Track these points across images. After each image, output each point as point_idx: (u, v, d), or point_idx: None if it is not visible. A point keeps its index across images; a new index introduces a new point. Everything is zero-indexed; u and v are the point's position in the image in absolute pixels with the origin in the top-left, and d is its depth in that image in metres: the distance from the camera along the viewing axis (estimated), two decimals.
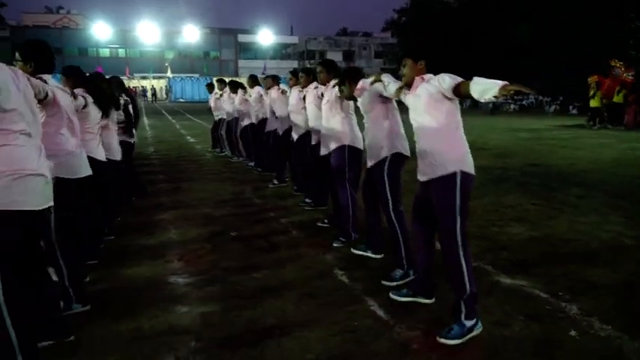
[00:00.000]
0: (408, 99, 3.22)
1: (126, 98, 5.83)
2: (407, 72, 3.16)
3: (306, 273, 3.99)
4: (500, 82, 2.57)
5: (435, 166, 2.97)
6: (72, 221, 3.28)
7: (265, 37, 58.64)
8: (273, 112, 7.52)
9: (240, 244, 4.75)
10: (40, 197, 2.32)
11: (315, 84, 5.51)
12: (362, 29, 67.90)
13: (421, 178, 3.10)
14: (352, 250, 4.39)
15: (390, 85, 3.52)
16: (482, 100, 2.73)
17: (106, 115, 4.40)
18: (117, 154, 4.99)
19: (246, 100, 8.84)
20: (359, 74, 4.18)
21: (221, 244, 4.77)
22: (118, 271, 4.02)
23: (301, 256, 4.38)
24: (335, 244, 4.59)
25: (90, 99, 4.01)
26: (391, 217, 3.81)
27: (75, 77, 4.18)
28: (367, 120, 3.95)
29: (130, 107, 5.95)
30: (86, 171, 3.47)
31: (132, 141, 6.13)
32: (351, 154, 4.56)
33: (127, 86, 6.82)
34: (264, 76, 14.58)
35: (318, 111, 5.13)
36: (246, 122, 9.06)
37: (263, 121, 8.40)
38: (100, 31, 54.47)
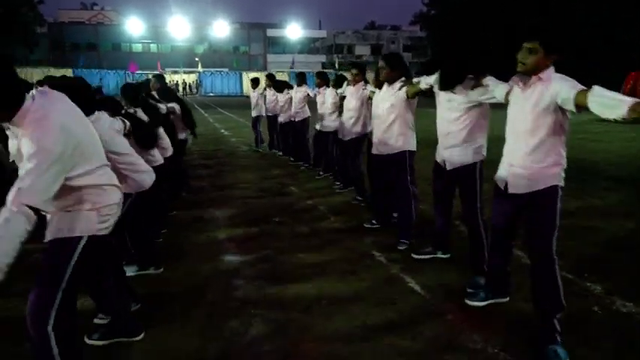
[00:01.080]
0: (514, 97, 2.86)
1: (170, 106, 5.59)
2: (530, 61, 2.65)
3: (347, 254, 4.34)
4: (629, 100, 2.19)
5: (537, 181, 2.75)
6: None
7: (294, 31, 59.02)
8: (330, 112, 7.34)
9: (284, 229, 5.13)
10: None
11: (362, 83, 5.71)
12: (390, 22, 67.53)
13: (514, 190, 2.85)
14: (414, 255, 4.22)
15: (496, 89, 3.14)
16: (603, 117, 2.40)
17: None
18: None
19: (290, 98, 9.03)
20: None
21: (266, 228, 5.16)
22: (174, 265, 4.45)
23: (341, 240, 4.73)
24: (400, 247, 4.44)
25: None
26: (477, 224, 3.64)
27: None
28: (450, 122, 3.61)
29: (177, 109, 5.77)
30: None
31: (184, 137, 6.11)
32: (411, 159, 4.51)
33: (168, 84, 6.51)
34: (292, 69, 15.03)
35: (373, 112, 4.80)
36: (284, 119, 9.34)
37: (304, 119, 8.78)
38: (133, 26, 55.71)
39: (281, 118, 9.47)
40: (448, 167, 3.70)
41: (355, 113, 5.89)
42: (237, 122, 18.14)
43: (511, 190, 2.86)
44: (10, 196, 1.75)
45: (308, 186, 7.21)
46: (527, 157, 2.74)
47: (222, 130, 15.77)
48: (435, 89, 3.72)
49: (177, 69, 53.22)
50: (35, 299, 2.06)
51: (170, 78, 50.61)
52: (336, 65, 52.76)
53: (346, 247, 4.54)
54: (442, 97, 3.66)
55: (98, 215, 2.17)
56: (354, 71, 5.92)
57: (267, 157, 10.05)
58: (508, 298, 3.35)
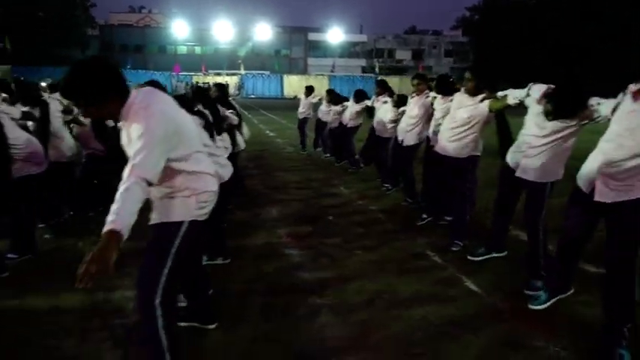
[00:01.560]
0: (624, 109, 2.78)
1: (229, 112, 5.42)
2: None
3: (402, 254, 4.49)
4: None
5: (627, 192, 2.76)
6: None
7: (335, 35, 59.37)
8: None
9: (338, 227, 5.31)
10: None
11: (426, 92, 5.83)
12: (431, 27, 66.98)
13: (602, 198, 2.84)
14: (470, 257, 4.30)
15: (601, 107, 3.06)
16: None
17: None
18: None
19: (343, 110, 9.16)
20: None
21: (321, 226, 5.36)
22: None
23: (395, 240, 4.88)
24: (453, 249, 4.56)
25: None
26: (538, 230, 3.70)
27: None
28: (539, 138, 3.54)
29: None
30: None
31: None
32: (474, 164, 4.65)
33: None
34: (332, 73, 15.28)
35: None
36: (335, 125, 9.52)
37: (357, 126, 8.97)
38: (179, 29, 57.26)
39: (333, 124, 9.61)
40: (519, 174, 3.68)
41: (417, 121, 5.96)
42: (280, 124, 18.48)
43: (597, 198, 2.85)
44: (126, 172, 2.02)
45: (357, 187, 7.37)
46: (625, 167, 2.73)
47: (268, 132, 16.13)
48: (528, 102, 3.65)
49: (220, 71, 54.34)
50: (143, 276, 2.30)
51: (213, 80, 51.88)
52: (377, 70, 52.73)
53: (400, 246, 4.68)
54: (536, 110, 3.53)
55: (196, 202, 2.39)
56: (415, 81, 6.00)
57: (312, 158, 10.27)
58: (572, 290, 3.41)
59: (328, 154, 10.30)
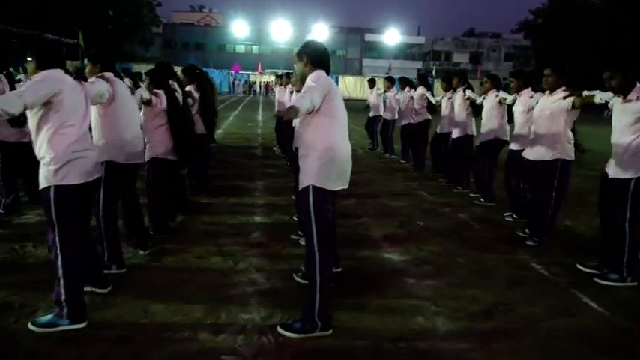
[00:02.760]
0: None
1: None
2: None
3: (507, 264, 4.41)
4: None
5: None
6: None
7: (392, 36, 58.96)
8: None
9: (430, 233, 5.28)
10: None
11: (494, 90, 6.10)
12: (490, 30, 65.36)
13: None
14: (579, 266, 4.26)
15: None
16: None
17: None
18: None
19: (412, 97, 9.30)
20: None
21: (413, 230, 5.35)
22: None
23: (495, 249, 4.80)
24: (528, 242, 4.86)
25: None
26: (625, 227, 3.85)
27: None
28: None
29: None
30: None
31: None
32: (565, 168, 4.62)
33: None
34: (387, 74, 15.35)
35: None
36: (404, 122, 9.64)
37: (425, 122, 9.06)
38: (238, 28, 58.48)
39: (403, 122, 9.69)
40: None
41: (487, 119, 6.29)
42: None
43: None
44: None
45: (437, 191, 7.31)
46: None
47: None
48: (612, 104, 3.82)
49: (276, 70, 55.02)
50: None
51: (269, 78, 52.70)
52: (433, 72, 51.95)
53: (503, 256, 4.61)
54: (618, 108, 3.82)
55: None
56: (484, 79, 6.46)
57: (385, 160, 10.25)
58: None
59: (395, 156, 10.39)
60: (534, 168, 4.75)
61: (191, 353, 2.81)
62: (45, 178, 2.90)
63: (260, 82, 51.27)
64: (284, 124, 10.03)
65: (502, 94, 6.24)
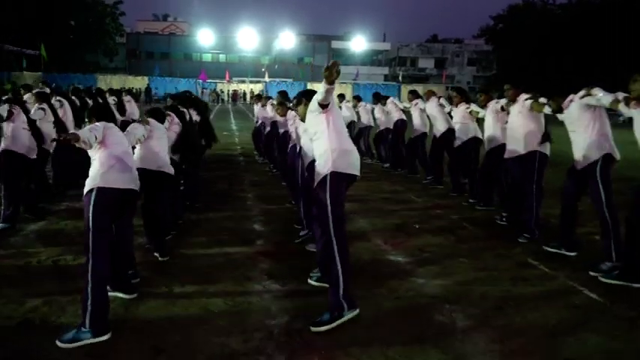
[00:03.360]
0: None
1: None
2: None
3: (505, 261, 4.61)
4: None
5: None
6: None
7: (358, 43, 59.66)
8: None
9: (428, 234, 5.45)
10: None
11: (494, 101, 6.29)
12: (453, 36, 66.97)
13: None
14: (545, 247, 4.84)
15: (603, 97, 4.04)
16: None
17: None
18: None
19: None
20: None
21: (412, 233, 5.51)
22: None
23: (492, 247, 5.00)
24: (520, 240, 5.15)
25: None
26: (605, 215, 4.24)
27: None
28: (575, 129, 4.48)
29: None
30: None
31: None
32: (541, 159, 5.10)
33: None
34: (355, 81, 15.87)
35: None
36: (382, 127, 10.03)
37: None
38: (204, 37, 58.05)
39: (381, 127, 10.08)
40: None
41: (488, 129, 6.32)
42: None
43: None
44: None
45: (426, 194, 7.51)
46: None
47: None
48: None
49: (243, 78, 54.87)
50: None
51: (238, 87, 52.50)
52: (400, 78, 52.83)
53: (500, 254, 4.81)
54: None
55: None
56: (453, 94, 7.24)
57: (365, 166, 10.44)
58: None
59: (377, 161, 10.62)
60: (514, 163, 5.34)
61: (225, 352, 2.87)
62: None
63: (228, 91, 51.06)
64: (265, 133, 10.26)
65: (473, 106, 6.90)
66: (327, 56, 60.89)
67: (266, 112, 9.80)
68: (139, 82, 45.59)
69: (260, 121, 10.68)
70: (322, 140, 3.35)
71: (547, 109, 4.92)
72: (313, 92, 3.88)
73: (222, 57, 59.61)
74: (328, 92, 3.12)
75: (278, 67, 57.84)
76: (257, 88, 54.78)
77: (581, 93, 4.31)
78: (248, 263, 4.48)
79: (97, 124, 3.32)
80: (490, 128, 6.16)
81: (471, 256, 4.73)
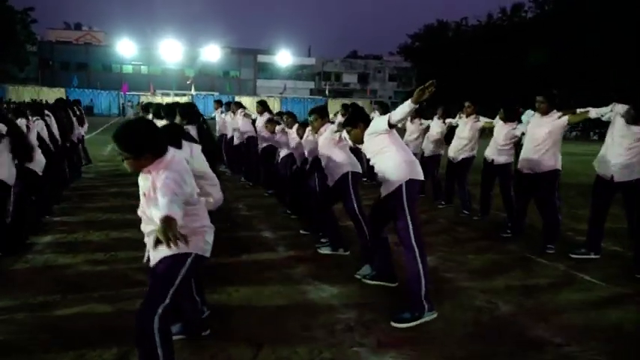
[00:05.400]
0: None
1: None
2: None
3: (507, 257, 5.23)
4: None
5: None
6: None
7: (284, 57, 60.41)
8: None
9: (431, 237, 5.98)
10: None
11: (474, 116, 7.08)
12: (372, 52, 69.84)
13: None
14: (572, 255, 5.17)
15: None
16: None
17: None
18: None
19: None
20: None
21: None
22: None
23: (491, 248, 5.62)
24: (549, 251, 5.41)
25: None
26: None
27: None
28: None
29: None
30: None
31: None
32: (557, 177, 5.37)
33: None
34: (281, 95, 15.99)
35: None
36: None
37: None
38: (124, 48, 55.98)
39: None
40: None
41: (467, 141, 6.99)
42: None
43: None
44: None
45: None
46: None
47: None
48: (610, 117, 4.77)
49: (168, 91, 53.61)
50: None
51: (162, 100, 51.14)
52: (326, 92, 54.17)
53: (499, 250, 5.44)
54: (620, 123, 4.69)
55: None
56: (467, 104, 7.13)
57: None
58: None
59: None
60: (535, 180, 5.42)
61: (326, 350, 3.16)
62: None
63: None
64: (226, 146, 10.37)
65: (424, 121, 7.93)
66: (253, 70, 61.15)
67: (236, 122, 9.76)
68: (54, 94, 42.98)
69: (222, 132, 10.70)
70: (391, 154, 3.71)
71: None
72: (365, 114, 4.25)
73: (144, 69, 57.79)
74: (410, 113, 3.49)
75: (204, 80, 57.08)
76: (183, 101, 53.64)
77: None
78: (282, 267, 4.74)
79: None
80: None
81: (477, 254, 5.31)
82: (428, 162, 7.69)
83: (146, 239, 2.66)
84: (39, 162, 5.27)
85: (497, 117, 6.51)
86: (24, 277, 4.32)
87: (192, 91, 52.30)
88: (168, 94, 52.93)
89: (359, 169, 5.01)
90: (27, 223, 5.27)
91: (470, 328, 3.55)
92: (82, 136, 10.50)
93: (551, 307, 3.92)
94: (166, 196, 2.24)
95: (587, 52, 30.87)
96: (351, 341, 3.28)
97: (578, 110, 5.16)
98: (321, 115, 5.21)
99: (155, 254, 2.57)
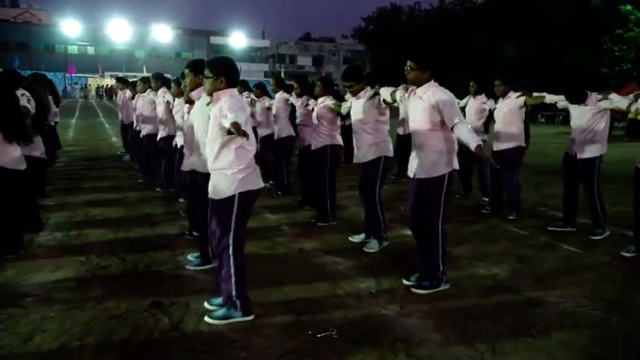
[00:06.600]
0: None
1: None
2: None
3: (503, 234, 5.71)
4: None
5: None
6: None
7: (237, 39, 59.50)
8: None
9: None
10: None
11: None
12: (326, 35, 70.01)
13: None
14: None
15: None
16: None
17: None
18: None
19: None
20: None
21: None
22: None
23: (488, 225, 6.08)
24: (510, 217, 6.10)
25: None
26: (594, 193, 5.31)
27: None
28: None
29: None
30: None
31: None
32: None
33: None
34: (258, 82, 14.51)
35: None
36: None
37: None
38: (69, 27, 53.48)
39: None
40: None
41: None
42: None
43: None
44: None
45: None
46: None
47: None
48: (565, 105, 5.41)
49: (117, 73, 51.69)
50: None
51: (111, 82, 49.36)
52: (282, 74, 53.81)
53: (496, 227, 5.88)
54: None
55: None
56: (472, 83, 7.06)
57: None
58: None
59: None
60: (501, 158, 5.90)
61: (357, 313, 3.49)
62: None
63: (105, 86, 47.86)
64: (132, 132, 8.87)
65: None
66: (206, 51, 59.90)
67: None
68: None
69: None
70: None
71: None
72: None
73: (90, 49, 55.47)
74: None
75: (155, 62, 55.43)
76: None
77: (598, 97, 5.12)
78: (294, 245, 5.01)
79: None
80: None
81: (479, 235, 5.76)
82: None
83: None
84: (38, 144, 5.11)
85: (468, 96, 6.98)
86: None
87: (144, 73, 50.70)
88: (117, 76, 51.13)
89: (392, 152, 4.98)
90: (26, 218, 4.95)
91: (479, 290, 3.97)
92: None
93: (542, 272, 4.40)
94: (234, 111, 3.00)
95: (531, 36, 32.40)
96: (377, 306, 3.62)
97: (535, 94, 5.79)
98: (356, 78, 4.89)
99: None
